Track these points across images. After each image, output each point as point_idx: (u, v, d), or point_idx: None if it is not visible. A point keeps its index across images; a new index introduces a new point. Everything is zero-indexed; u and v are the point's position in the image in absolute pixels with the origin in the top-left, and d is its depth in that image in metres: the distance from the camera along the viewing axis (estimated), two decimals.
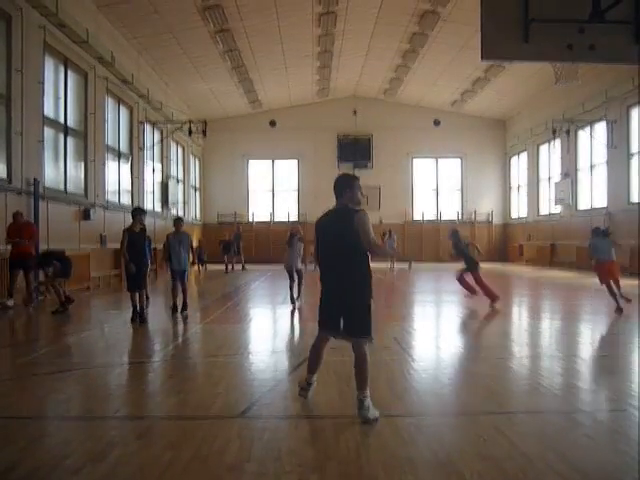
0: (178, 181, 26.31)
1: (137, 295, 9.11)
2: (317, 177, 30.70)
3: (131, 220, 9.46)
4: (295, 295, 10.92)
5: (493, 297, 10.98)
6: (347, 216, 4.30)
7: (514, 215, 31.39)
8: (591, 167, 23.12)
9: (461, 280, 12.20)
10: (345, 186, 4.43)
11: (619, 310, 9.67)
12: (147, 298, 10.55)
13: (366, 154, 31.07)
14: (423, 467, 3.38)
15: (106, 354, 6.93)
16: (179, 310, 9.82)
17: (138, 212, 9.41)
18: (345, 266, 4.31)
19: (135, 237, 9.12)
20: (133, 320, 8.99)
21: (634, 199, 19.62)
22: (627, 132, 20.20)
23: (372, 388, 5.11)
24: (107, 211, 17.02)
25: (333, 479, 3.22)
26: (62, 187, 14.57)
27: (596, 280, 10.56)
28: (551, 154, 26.51)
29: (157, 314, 10.46)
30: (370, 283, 4.37)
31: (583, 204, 23.71)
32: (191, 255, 10.29)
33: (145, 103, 20.85)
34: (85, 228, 15.40)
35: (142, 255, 9.18)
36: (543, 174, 27.76)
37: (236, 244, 24.20)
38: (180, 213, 26.51)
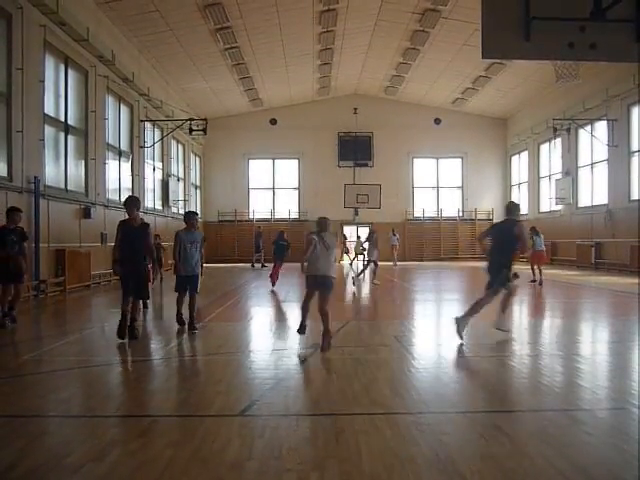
0: (179, 179, 26.30)
1: (130, 303, 7.43)
2: (318, 175, 30.76)
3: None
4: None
5: None
6: None
7: None
8: (592, 165, 23.12)
9: None
10: None
11: (537, 283, 14.40)
12: (145, 307, 9.63)
13: (367, 152, 31.07)
14: (424, 465, 3.38)
15: (106, 352, 6.93)
16: (186, 323, 8.11)
17: (132, 202, 7.76)
18: None
19: (133, 232, 7.46)
20: (120, 335, 7.21)
21: (634, 197, 19.62)
22: (628, 130, 20.19)
23: (372, 387, 5.12)
24: (108, 209, 17.02)
25: (334, 477, 3.22)
26: (63, 185, 14.58)
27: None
28: (552, 152, 26.50)
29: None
30: None
31: (583, 202, 23.70)
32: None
33: (146, 101, 20.84)
34: (86, 226, 15.40)
35: (140, 255, 7.55)
36: (544, 172, 27.75)
37: (257, 243, 25.66)
38: (181, 211, 26.54)
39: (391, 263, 25.26)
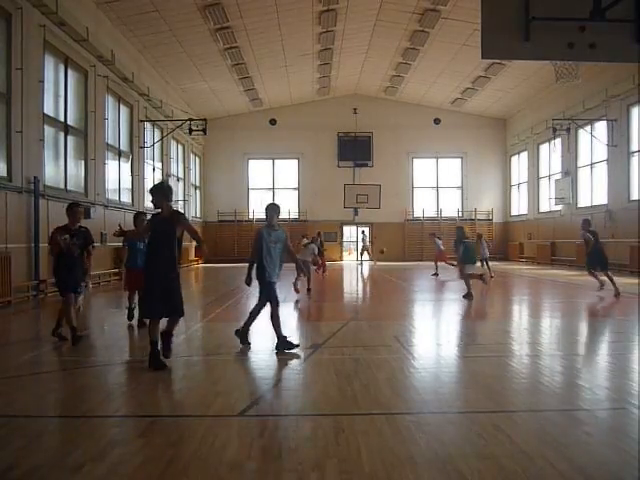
0: (178, 179, 26.31)
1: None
2: (317, 175, 30.78)
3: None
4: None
5: None
6: None
7: (514, 213, 31.40)
8: (591, 165, 23.12)
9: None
10: None
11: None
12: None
13: (366, 152, 31.09)
14: (423, 465, 3.38)
15: (106, 352, 6.93)
16: (283, 346, 6.68)
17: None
18: None
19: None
20: (158, 365, 5.80)
21: (634, 197, 19.63)
22: (627, 131, 20.20)
23: (373, 386, 5.12)
24: (107, 210, 17.03)
25: (333, 477, 3.22)
26: (62, 185, 14.58)
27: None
28: (551, 153, 26.51)
29: None
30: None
31: (583, 202, 23.71)
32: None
33: (145, 101, 20.85)
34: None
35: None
36: (543, 172, 27.77)
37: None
38: (180, 211, 26.49)
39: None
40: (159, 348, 5.83)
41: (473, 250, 12.50)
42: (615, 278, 12.65)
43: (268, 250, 6.72)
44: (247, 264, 6.85)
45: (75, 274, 7.34)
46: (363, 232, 29.05)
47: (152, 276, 5.83)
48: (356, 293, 15.58)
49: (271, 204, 7.17)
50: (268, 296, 6.80)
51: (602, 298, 12.09)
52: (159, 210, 6.05)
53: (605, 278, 12.61)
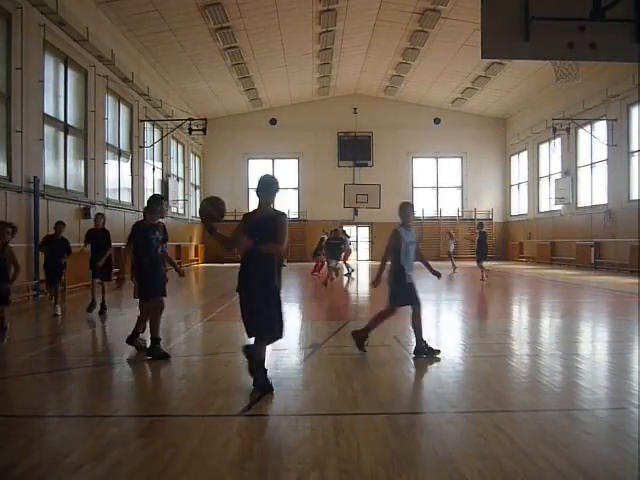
0: (178, 179, 26.30)
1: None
2: (317, 175, 30.76)
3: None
4: None
5: None
6: None
7: (514, 213, 31.41)
8: (591, 165, 23.13)
9: None
10: None
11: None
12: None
13: (366, 152, 31.08)
14: (423, 465, 3.38)
15: (106, 352, 6.93)
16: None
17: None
18: None
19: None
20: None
21: (634, 196, 19.63)
22: (627, 130, 20.20)
23: (373, 386, 5.12)
24: (107, 209, 17.01)
25: (333, 477, 3.22)
26: (62, 185, 14.58)
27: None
28: (551, 152, 26.51)
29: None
30: None
31: (583, 202, 23.72)
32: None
33: (145, 101, 20.84)
34: (85, 226, 15.33)
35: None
36: (543, 172, 27.77)
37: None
38: (180, 211, 26.53)
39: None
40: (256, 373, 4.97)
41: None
42: (615, 278, 12.65)
43: (406, 250, 6.39)
44: (379, 264, 6.47)
45: (161, 274, 6.65)
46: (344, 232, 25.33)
47: (244, 288, 4.98)
48: (356, 293, 15.57)
49: (407, 202, 6.79)
50: (409, 298, 6.44)
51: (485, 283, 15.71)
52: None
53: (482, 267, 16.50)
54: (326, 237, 18.41)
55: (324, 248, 17.85)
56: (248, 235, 4.99)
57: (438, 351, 6.37)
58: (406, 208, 6.58)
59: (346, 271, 19.70)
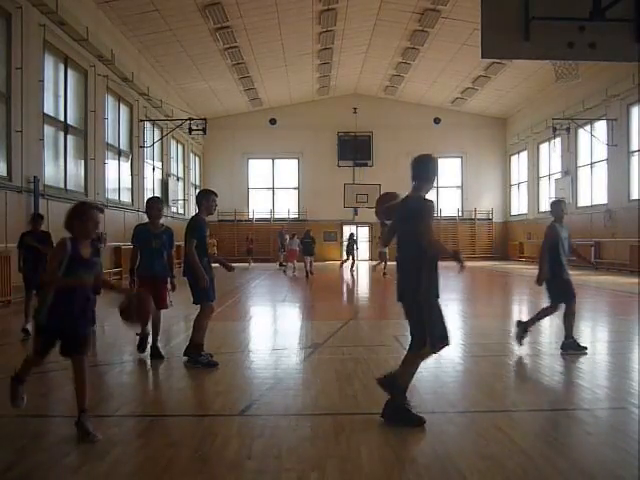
0: (178, 179, 26.31)
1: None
2: (317, 175, 30.77)
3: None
4: None
5: None
6: None
7: (514, 213, 31.41)
8: (591, 165, 23.13)
9: None
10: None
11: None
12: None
13: (366, 152, 31.08)
14: (423, 465, 3.38)
15: (106, 352, 6.93)
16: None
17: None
18: None
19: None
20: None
21: (634, 196, 19.63)
22: (627, 130, 20.20)
23: (372, 387, 5.12)
24: (107, 209, 17.01)
25: (333, 477, 3.22)
26: (62, 185, 14.58)
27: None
28: (551, 152, 26.51)
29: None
30: None
31: (583, 202, 23.72)
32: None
33: (145, 101, 20.84)
34: None
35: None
36: (543, 172, 27.77)
37: (280, 242, 25.42)
38: (180, 211, 26.54)
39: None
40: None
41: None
42: (615, 278, 12.64)
43: (563, 246, 6.49)
44: (540, 261, 6.52)
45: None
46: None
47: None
48: (355, 293, 15.57)
49: (560, 200, 6.99)
50: (566, 294, 6.45)
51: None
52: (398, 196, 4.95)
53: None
54: (288, 237, 22.52)
55: (300, 246, 20.79)
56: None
57: (585, 348, 6.43)
58: (559, 204, 6.76)
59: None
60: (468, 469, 3.28)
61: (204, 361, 5.87)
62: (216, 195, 6.27)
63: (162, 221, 6.52)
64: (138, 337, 6.60)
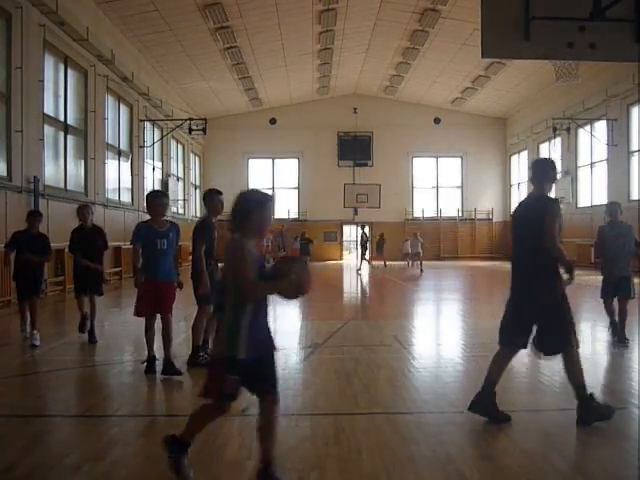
0: (178, 179, 26.30)
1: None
2: (317, 175, 30.77)
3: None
4: None
5: None
6: None
7: None
8: (591, 165, 23.13)
9: None
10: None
11: None
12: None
13: (366, 152, 31.08)
14: (423, 465, 3.38)
15: (106, 352, 6.93)
16: None
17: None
18: None
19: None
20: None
21: (634, 196, 19.63)
22: (627, 130, 20.21)
23: (373, 386, 5.12)
24: (107, 209, 17.02)
25: (333, 477, 3.22)
26: (62, 185, 14.57)
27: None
28: (551, 152, 26.51)
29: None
30: None
31: (583, 202, 23.72)
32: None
33: (145, 101, 20.84)
34: None
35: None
36: None
37: (281, 241, 25.71)
38: (180, 211, 26.53)
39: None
40: None
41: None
42: None
43: (612, 245, 6.82)
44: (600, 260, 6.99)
45: None
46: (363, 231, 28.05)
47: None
48: (356, 293, 15.58)
49: (614, 202, 7.38)
50: (628, 289, 6.83)
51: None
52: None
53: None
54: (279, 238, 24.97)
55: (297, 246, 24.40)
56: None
57: (627, 340, 6.74)
58: (615, 205, 7.12)
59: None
60: (468, 469, 3.28)
61: (203, 362, 5.73)
62: (219, 193, 6.27)
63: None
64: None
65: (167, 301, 5.62)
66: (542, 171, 4.32)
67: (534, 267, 4.06)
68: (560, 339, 4.08)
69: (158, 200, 5.74)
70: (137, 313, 5.60)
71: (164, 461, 3.41)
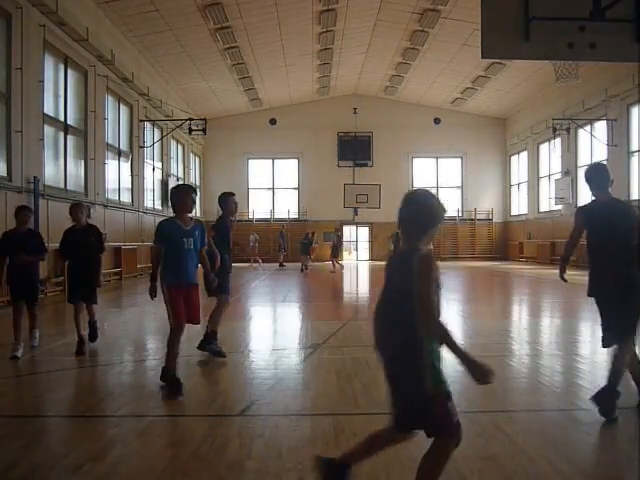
0: (178, 179, 26.29)
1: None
2: (317, 175, 30.77)
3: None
4: None
5: None
6: None
7: (514, 213, 31.41)
8: None
9: None
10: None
11: None
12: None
13: (366, 152, 31.09)
14: None
15: (106, 352, 6.92)
16: None
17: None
18: None
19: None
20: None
21: (634, 197, 19.63)
22: (627, 130, 20.20)
23: (373, 386, 5.12)
24: (107, 209, 17.02)
25: None
26: (62, 185, 14.57)
27: None
28: (551, 152, 26.52)
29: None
30: None
31: (583, 202, 23.66)
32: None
33: (145, 101, 20.84)
34: None
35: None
36: (543, 172, 27.77)
37: (281, 241, 25.80)
38: None
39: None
40: None
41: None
42: None
43: None
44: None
45: None
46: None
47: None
48: (356, 293, 15.58)
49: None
50: None
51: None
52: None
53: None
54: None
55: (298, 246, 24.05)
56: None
57: None
58: None
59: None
60: (468, 469, 3.28)
61: (214, 349, 6.28)
62: (233, 195, 7.03)
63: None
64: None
65: (197, 308, 5.22)
66: (608, 175, 4.80)
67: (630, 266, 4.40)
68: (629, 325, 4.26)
69: (187, 195, 5.20)
70: (179, 325, 5.03)
71: (164, 461, 3.42)
